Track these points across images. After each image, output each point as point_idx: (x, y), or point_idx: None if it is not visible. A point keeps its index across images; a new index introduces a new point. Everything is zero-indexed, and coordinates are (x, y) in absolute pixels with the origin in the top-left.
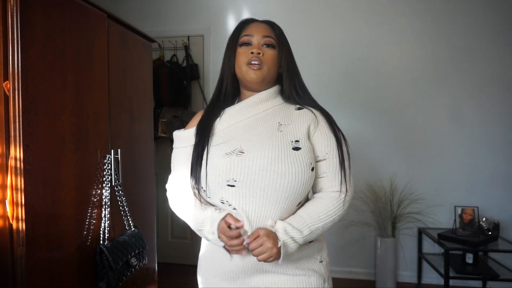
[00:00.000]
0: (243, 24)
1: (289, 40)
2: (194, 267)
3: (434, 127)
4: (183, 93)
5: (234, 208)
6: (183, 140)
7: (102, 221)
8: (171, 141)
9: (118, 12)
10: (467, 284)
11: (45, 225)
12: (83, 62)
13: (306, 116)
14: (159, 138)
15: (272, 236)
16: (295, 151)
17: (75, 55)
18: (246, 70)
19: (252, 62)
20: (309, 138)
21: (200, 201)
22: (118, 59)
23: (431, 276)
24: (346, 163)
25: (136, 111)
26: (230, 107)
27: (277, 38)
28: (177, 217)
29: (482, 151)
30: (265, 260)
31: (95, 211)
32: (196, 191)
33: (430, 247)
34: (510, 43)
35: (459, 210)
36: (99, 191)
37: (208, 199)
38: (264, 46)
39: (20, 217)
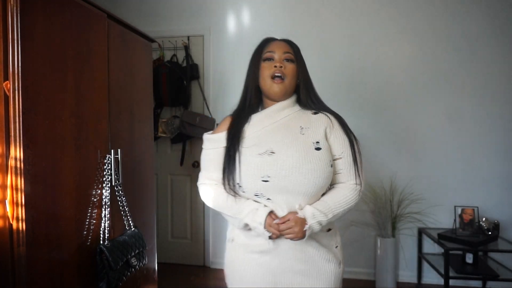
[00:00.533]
0: (265, 42)
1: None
2: (194, 267)
3: (434, 127)
4: (183, 93)
5: (268, 199)
6: (214, 142)
7: (102, 221)
8: (171, 141)
9: (118, 12)
10: (467, 284)
11: (45, 225)
12: (83, 62)
13: (322, 119)
14: (159, 138)
15: (300, 222)
16: (317, 151)
17: (75, 55)
18: (270, 84)
19: (276, 75)
20: (326, 139)
21: (233, 195)
22: (118, 59)
23: (431, 276)
24: (358, 160)
25: (136, 111)
26: (256, 113)
27: (295, 54)
28: (177, 217)
29: (482, 151)
30: (290, 239)
31: (95, 211)
32: (231, 187)
33: (430, 247)
34: (510, 43)
35: (459, 210)
36: (99, 191)
37: (242, 194)
38: (285, 60)
39: (20, 217)
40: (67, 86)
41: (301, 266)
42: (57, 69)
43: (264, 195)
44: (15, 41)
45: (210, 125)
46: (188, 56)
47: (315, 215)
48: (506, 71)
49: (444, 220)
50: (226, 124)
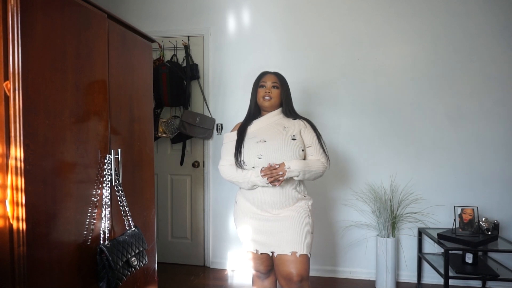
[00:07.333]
0: (261, 75)
1: (289, 41)
2: (194, 267)
3: (434, 127)
4: (183, 93)
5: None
6: (230, 137)
7: (102, 221)
8: (171, 141)
9: (118, 12)
10: (467, 284)
11: (45, 225)
12: (83, 62)
13: (299, 123)
14: (159, 138)
15: (283, 168)
16: (293, 141)
17: (75, 55)
18: (262, 101)
19: (265, 96)
20: (301, 135)
21: (240, 168)
22: (118, 59)
23: (431, 276)
24: (323, 146)
25: (136, 111)
26: (256, 119)
27: (280, 81)
28: (177, 217)
29: (482, 151)
30: (276, 177)
31: (95, 211)
32: (238, 162)
33: (430, 247)
34: (510, 43)
35: (458, 210)
36: (99, 191)
37: (244, 167)
38: (272, 87)
39: (20, 217)
40: (67, 86)
41: (280, 210)
42: (57, 69)
43: (258, 167)
44: (15, 41)
45: (210, 125)
46: (188, 56)
47: (295, 163)
48: (506, 71)
49: (444, 220)
50: (237, 127)
